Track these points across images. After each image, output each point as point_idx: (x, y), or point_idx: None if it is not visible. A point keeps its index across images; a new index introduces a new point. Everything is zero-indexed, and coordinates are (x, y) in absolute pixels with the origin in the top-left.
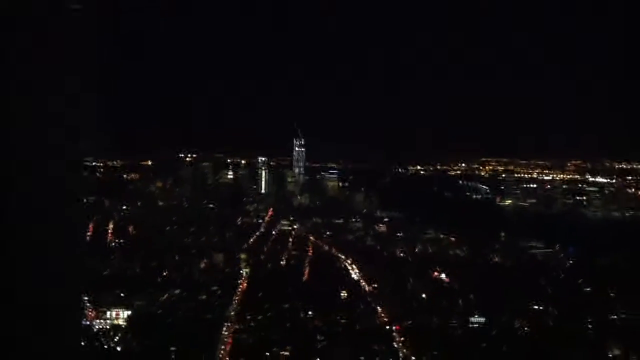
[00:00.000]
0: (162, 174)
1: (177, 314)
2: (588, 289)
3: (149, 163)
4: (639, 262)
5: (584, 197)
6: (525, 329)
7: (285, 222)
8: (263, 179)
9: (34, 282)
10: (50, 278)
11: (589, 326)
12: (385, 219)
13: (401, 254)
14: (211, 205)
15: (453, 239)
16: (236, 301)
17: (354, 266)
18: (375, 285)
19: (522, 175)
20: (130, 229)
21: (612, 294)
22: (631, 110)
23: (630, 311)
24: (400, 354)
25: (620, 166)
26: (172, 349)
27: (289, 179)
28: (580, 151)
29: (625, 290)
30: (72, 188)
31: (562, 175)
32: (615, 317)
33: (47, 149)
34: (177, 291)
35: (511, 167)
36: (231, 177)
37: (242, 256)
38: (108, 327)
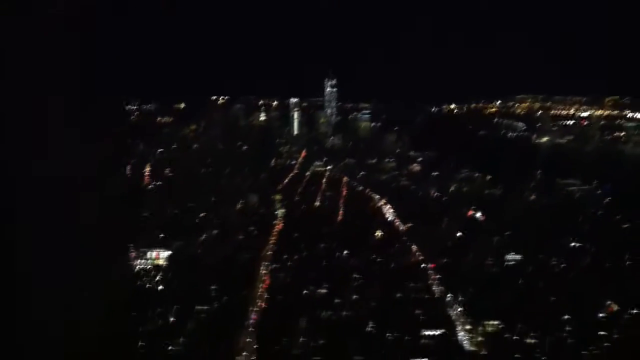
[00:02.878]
0: (195, 117)
1: (216, 254)
2: (626, 226)
3: (182, 106)
4: None
5: (622, 134)
6: (562, 265)
7: (318, 163)
8: (295, 120)
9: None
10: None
11: (627, 263)
12: (419, 159)
13: (436, 193)
14: (245, 147)
15: (488, 177)
16: (272, 241)
17: (388, 206)
18: (410, 224)
19: (559, 112)
20: (166, 171)
21: None
22: None
23: None
24: (436, 291)
25: None
26: (212, 287)
27: (321, 120)
28: (618, 87)
29: None
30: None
31: (599, 112)
32: None
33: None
34: (214, 232)
35: (547, 104)
36: (263, 119)
37: (277, 197)
38: (149, 266)
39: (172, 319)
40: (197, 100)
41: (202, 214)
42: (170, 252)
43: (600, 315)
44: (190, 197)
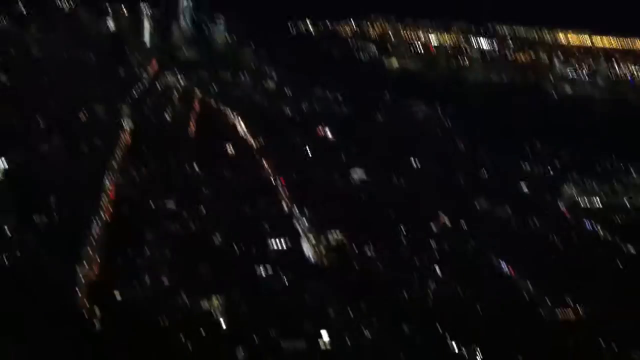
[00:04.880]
0: (36, 22)
1: (58, 166)
2: (462, 146)
3: (23, 9)
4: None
5: (467, 62)
6: (402, 181)
7: (170, 76)
8: (146, 30)
9: None
10: None
11: (461, 181)
12: (274, 75)
13: (288, 111)
14: (91, 56)
15: (339, 97)
16: (119, 154)
17: (241, 121)
18: (262, 141)
19: (409, 36)
20: (3, 79)
21: (483, 152)
22: None
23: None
24: (284, 206)
25: (503, 32)
26: (53, 199)
27: (175, 31)
28: (465, 13)
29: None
30: None
31: (446, 38)
32: (486, 171)
33: None
34: (56, 143)
35: (399, 28)
36: (112, 26)
37: (125, 109)
38: None
39: (8, 231)
40: (38, 2)
41: (43, 124)
42: (6, 163)
43: (433, 227)
44: (31, 107)
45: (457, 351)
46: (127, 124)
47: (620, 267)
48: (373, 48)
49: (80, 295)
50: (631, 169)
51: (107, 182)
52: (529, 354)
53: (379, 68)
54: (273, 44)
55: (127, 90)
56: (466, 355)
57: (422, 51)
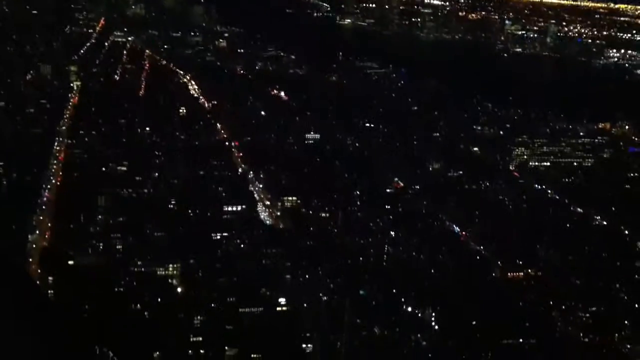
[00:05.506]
0: None
1: (2, 129)
2: (415, 108)
3: None
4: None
5: (419, 19)
6: (356, 145)
7: (119, 34)
8: None
9: None
10: None
11: (414, 143)
12: (226, 34)
13: (241, 71)
14: (34, 12)
15: (292, 57)
16: (67, 116)
17: (193, 82)
18: (215, 102)
19: None
20: None
21: (436, 113)
22: None
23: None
24: (238, 169)
25: None
26: None
27: None
28: None
29: (448, 110)
30: None
31: None
32: (438, 134)
33: None
34: (1, 104)
35: None
36: None
37: (72, 68)
38: None
39: None
40: None
41: None
42: None
43: (388, 190)
44: None
45: (411, 314)
46: (75, 85)
47: (569, 227)
48: (326, 6)
49: (32, 263)
50: (579, 130)
51: (56, 145)
52: (481, 315)
53: (332, 27)
54: (224, 1)
55: (75, 50)
56: (421, 318)
57: (374, 8)
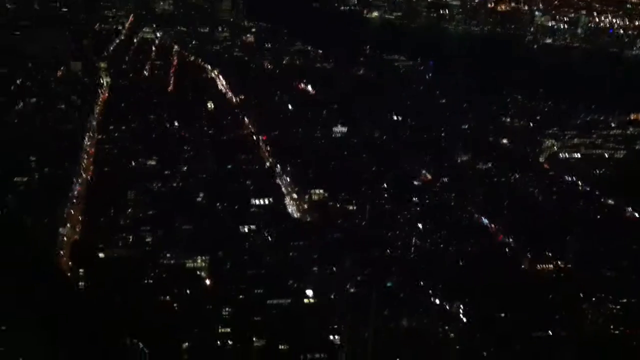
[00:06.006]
0: None
1: (35, 124)
2: (443, 101)
3: None
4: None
5: (447, 11)
6: (384, 137)
7: (147, 30)
8: None
9: None
10: None
11: (442, 135)
12: (253, 29)
13: (268, 66)
14: (64, 9)
15: (320, 51)
16: (98, 112)
17: (221, 77)
18: (243, 97)
19: None
20: None
21: (464, 105)
22: None
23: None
24: (266, 163)
25: None
26: (32, 158)
27: None
28: None
29: (477, 102)
30: None
31: None
32: (467, 126)
33: None
34: (32, 100)
35: None
36: None
37: (102, 65)
38: None
39: None
40: None
41: (17, 81)
42: None
43: (416, 183)
44: (2, 62)
45: (439, 306)
46: (104, 81)
47: (599, 219)
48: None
49: (63, 256)
50: (610, 121)
51: (86, 140)
52: (510, 308)
53: (359, 20)
54: None
55: (104, 47)
56: (449, 310)
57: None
